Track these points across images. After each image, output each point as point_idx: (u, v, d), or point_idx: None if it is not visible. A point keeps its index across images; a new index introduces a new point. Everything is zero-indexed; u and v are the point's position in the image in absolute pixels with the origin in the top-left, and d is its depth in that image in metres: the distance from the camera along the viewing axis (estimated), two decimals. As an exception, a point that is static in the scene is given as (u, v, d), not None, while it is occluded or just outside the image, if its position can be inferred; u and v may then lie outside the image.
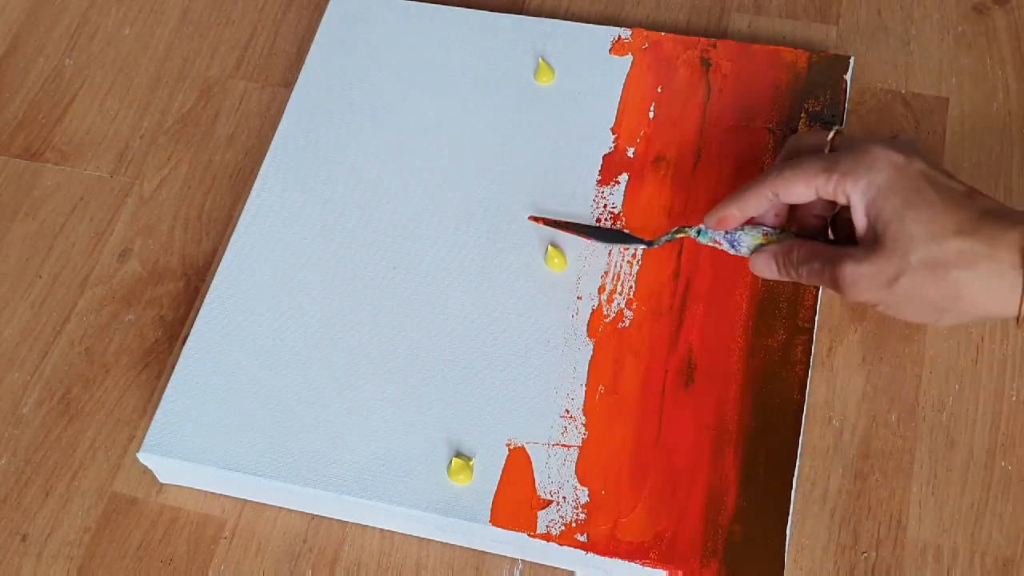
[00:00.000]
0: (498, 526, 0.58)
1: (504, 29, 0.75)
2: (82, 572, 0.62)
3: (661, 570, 0.57)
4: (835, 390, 0.63)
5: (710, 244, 0.61)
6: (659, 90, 0.71)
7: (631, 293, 0.64)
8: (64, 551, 0.62)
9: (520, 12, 0.79)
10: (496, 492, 0.59)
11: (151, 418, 0.63)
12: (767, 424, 0.60)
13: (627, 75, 0.72)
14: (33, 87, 0.80)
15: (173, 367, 0.64)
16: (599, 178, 0.68)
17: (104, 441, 0.66)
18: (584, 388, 0.62)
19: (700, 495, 0.58)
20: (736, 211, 0.58)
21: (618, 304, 0.64)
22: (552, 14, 0.79)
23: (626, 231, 0.65)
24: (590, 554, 0.57)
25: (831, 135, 0.58)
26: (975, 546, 0.59)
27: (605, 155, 0.69)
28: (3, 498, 0.64)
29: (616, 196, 0.68)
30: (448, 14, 0.76)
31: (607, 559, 0.57)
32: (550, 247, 0.66)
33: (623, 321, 0.64)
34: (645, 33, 0.74)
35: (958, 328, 0.65)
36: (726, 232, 0.60)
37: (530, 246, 0.66)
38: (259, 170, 0.71)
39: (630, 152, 0.69)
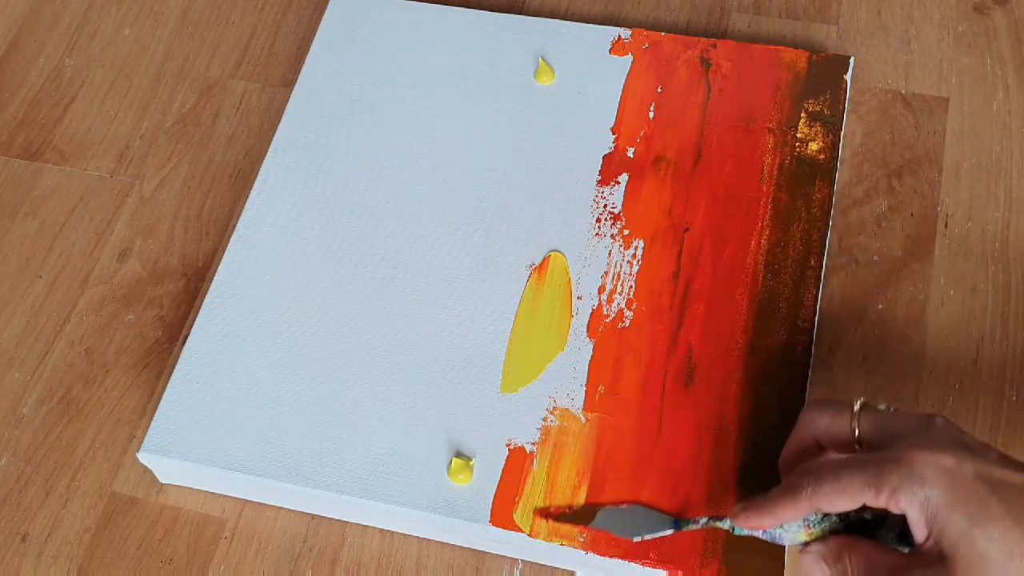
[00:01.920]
0: (498, 526, 0.58)
1: (504, 29, 0.75)
2: (82, 572, 0.62)
3: (661, 570, 0.57)
4: (835, 390, 0.63)
5: (747, 535, 0.54)
6: (659, 90, 0.71)
7: (631, 293, 0.64)
8: (64, 551, 0.62)
9: (520, 12, 0.79)
10: (496, 492, 0.59)
11: (151, 418, 0.63)
12: (767, 424, 0.60)
13: (627, 75, 0.72)
14: (33, 87, 0.80)
15: (173, 367, 0.64)
16: (599, 178, 0.68)
17: (104, 441, 0.66)
18: (584, 388, 0.62)
19: (700, 495, 0.58)
20: (771, 522, 0.53)
21: (618, 304, 0.64)
22: (552, 14, 0.79)
23: (647, 508, 0.58)
24: (590, 554, 0.57)
25: (856, 408, 0.52)
26: (975, 546, 0.59)
27: (605, 155, 0.69)
28: (3, 498, 0.64)
29: (616, 196, 0.68)
30: (448, 14, 0.76)
31: (607, 559, 0.57)
32: (551, 250, 0.66)
33: (623, 321, 0.64)
34: (645, 33, 0.74)
35: (958, 328, 0.65)
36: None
37: (530, 246, 0.66)
38: (259, 170, 0.71)
39: (630, 152, 0.69)
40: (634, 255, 0.66)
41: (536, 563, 0.60)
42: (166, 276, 0.71)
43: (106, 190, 0.75)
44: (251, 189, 0.70)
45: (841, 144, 0.69)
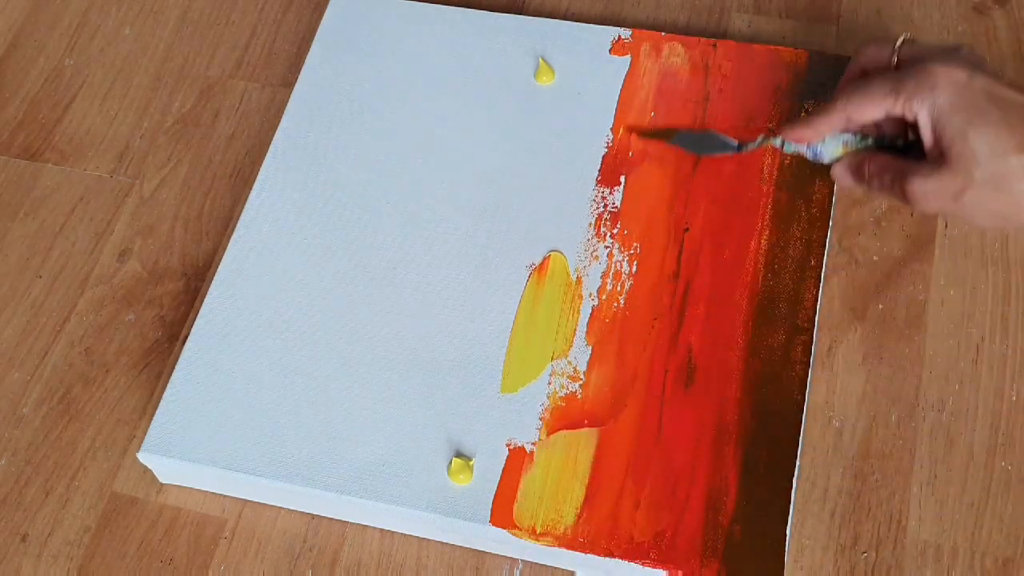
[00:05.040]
0: (498, 526, 0.58)
1: (504, 29, 0.75)
2: (82, 572, 0.62)
3: (661, 570, 0.57)
4: (835, 390, 0.63)
5: (794, 153, 0.62)
6: (659, 90, 0.71)
7: (631, 293, 0.64)
8: (64, 551, 0.62)
9: (520, 12, 0.79)
10: (496, 492, 0.59)
11: (151, 418, 0.63)
12: (767, 424, 0.60)
13: (627, 75, 0.72)
14: (33, 87, 0.80)
15: (173, 367, 0.64)
16: (599, 178, 0.68)
17: (104, 441, 0.66)
18: (584, 388, 0.62)
19: (700, 495, 0.58)
20: (810, 134, 0.60)
21: (618, 304, 0.64)
22: (552, 14, 0.79)
23: (716, 134, 0.66)
24: (590, 554, 0.57)
25: (898, 44, 0.59)
26: (975, 546, 0.59)
27: (605, 155, 0.69)
28: (3, 498, 0.64)
29: (616, 196, 0.68)
30: (448, 14, 0.76)
31: (607, 559, 0.57)
32: (551, 250, 0.66)
33: (623, 321, 0.64)
34: (645, 33, 0.74)
35: (958, 328, 0.65)
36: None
37: (530, 246, 0.66)
38: (259, 170, 0.71)
39: (630, 152, 0.69)
40: (634, 255, 0.66)
41: (536, 563, 0.60)
42: (166, 276, 0.71)
43: (106, 190, 0.75)
44: (251, 189, 0.70)
45: (841, 144, 0.69)
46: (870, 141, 0.60)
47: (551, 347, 0.63)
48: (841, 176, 0.61)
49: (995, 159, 0.53)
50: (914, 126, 0.57)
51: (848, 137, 0.60)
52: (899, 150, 0.59)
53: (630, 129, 0.68)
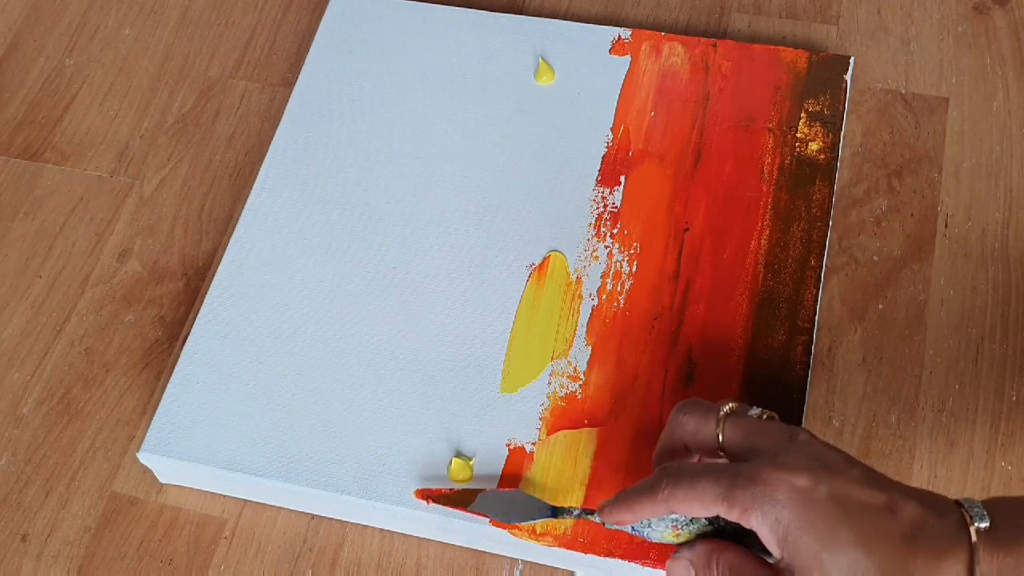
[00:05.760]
0: (498, 526, 0.58)
1: (504, 29, 0.75)
2: (82, 572, 0.62)
3: (661, 570, 0.57)
4: (835, 390, 0.63)
5: (615, 528, 0.53)
6: (659, 90, 0.71)
7: (631, 293, 0.64)
8: (64, 551, 0.62)
9: (520, 12, 0.79)
10: (496, 492, 0.59)
11: (151, 418, 0.63)
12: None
13: (627, 75, 0.72)
14: (33, 87, 0.80)
15: (173, 367, 0.64)
16: (599, 178, 0.68)
17: (104, 441, 0.66)
18: (584, 388, 0.62)
19: (700, 495, 0.58)
20: (631, 518, 0.52)
21: (618, 304, 0.64)
22: (552, 14, 0.79)
23: (525, 495, 0.58)
24: (590, 554, 0.57)
25: (722, 414, 0.52)
26: (975, 546, 0.59)
27: (605, 155, 0.69)
28: (3, 498, 0.64)
29: (616, 196, 0.68)
30: (448, 14, 0.76)
31: (607, 559, 0.57)
32: (551, 250, 0.66)
33: (623, 321, 0.64)
34: (645, 33, 0.74)
35: (958, 328, 0.65)
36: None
37: (530, 246, 0.66)
38: (259, 170, 0.71)
39: (630, 152, 0.69)
40: (634, 255, 0.66)
41: (536, 563, 0.60)
42: (166, 276, 0.71)
43: (106, 190, 0.75)
44: (251, 189, 0.70)
45: (841, 144, 0.69)
46: (703, 521, 0.51)
47: (551, 347, 0.63)
48: (681, 572, 0.51)
49: None
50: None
51: (677, 516, 0.51)
52: (739, 528, 0.50)
53: (423, 495, 0.59)
